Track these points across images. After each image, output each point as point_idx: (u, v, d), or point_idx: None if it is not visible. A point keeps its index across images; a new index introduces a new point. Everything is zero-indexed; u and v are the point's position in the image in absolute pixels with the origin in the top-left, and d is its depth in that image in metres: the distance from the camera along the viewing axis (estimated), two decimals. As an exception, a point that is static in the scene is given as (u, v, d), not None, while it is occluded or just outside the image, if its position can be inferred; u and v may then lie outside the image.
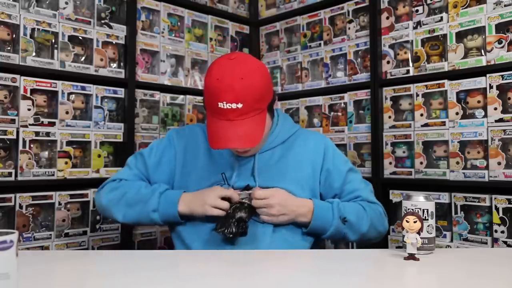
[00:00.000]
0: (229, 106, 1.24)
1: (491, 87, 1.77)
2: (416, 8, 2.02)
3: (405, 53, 2.05)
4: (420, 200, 1.17)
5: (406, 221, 1.09)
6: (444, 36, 1.92)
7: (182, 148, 1.47)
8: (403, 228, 1.10)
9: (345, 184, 1.42)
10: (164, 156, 1.46)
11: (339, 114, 2.27)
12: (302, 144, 1.46)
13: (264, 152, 1.42)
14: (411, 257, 1.09)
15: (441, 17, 1.94)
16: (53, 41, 1.89)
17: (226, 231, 1.26)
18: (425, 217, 1.15)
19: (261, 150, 1.42)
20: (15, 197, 1.75)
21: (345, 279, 0.97)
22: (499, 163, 1.74)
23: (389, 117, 2.08)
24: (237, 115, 1.25)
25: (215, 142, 1.29)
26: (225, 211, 1.30)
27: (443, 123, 1.90)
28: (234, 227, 1.26)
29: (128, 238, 2.05)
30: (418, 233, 1.09)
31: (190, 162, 1.44)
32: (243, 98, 1.24)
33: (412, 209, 1.16)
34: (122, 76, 2.09)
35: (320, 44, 2.37)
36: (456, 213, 1.85)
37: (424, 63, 1.98)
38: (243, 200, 1.32)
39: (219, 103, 1.25)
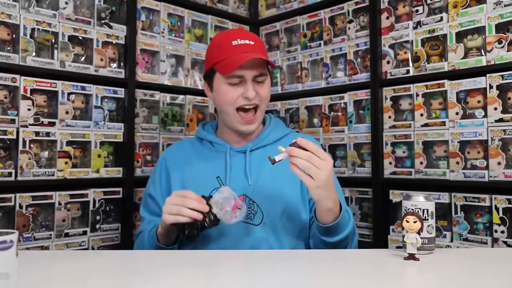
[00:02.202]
0: (243, 41, 1.36)
1: (491, 87, 1.77)
2: (416, 8, 2.02)
3: (405, 53, 2.05)
4: (420, 200, 1.17)
5: (406, 221, 1.09)
6: (444, 36, 1.92)
7: (174, 166, 1.47)
8: (403, 228, 1.10)
9: None
10: (162, 181, 1.47)
11: (339, 114, 2.27)
12: None
13: (255, 150, 1.43)
14: (411, 257, 1.09)
15: (441, 17, 1.94)
16: (53, 41, 1.89)
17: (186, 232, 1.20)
18: (425, 217, 1.15)
19: (252, 147, 1.43)
20: (15, 197, 1.75)
21: (345, 279, 0.97)
22: (499, 163, 1.74)
23: (389, 117, 2.08)
24: (250, 49, 1.36)
25: (233, 65, 1.32)
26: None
27: (443, 123, 1.90)
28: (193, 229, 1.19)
29: (128, 238, 2.05)
30: (418, 233, 1.09)
31: (186, 175, 1.44)
32: (253, 38, 1.40)
33: (412, 209, 1.16)
34: (122, 76, 2.09)
35: (320, 44, 2.37)
36: (456, 213, 1.85)
37: (424, 63, 1.98)
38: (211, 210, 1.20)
39: (232, 42, 1.36)
